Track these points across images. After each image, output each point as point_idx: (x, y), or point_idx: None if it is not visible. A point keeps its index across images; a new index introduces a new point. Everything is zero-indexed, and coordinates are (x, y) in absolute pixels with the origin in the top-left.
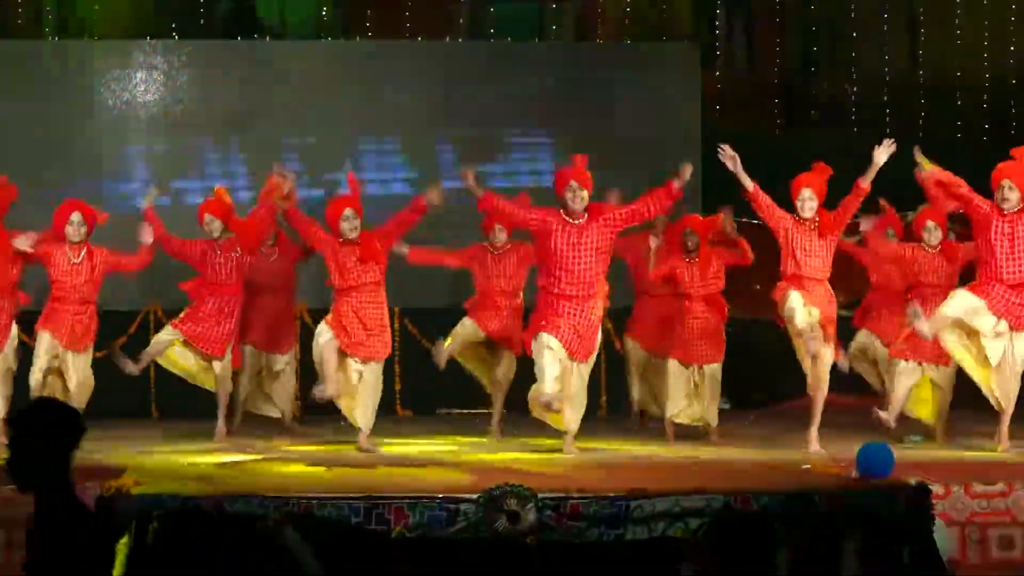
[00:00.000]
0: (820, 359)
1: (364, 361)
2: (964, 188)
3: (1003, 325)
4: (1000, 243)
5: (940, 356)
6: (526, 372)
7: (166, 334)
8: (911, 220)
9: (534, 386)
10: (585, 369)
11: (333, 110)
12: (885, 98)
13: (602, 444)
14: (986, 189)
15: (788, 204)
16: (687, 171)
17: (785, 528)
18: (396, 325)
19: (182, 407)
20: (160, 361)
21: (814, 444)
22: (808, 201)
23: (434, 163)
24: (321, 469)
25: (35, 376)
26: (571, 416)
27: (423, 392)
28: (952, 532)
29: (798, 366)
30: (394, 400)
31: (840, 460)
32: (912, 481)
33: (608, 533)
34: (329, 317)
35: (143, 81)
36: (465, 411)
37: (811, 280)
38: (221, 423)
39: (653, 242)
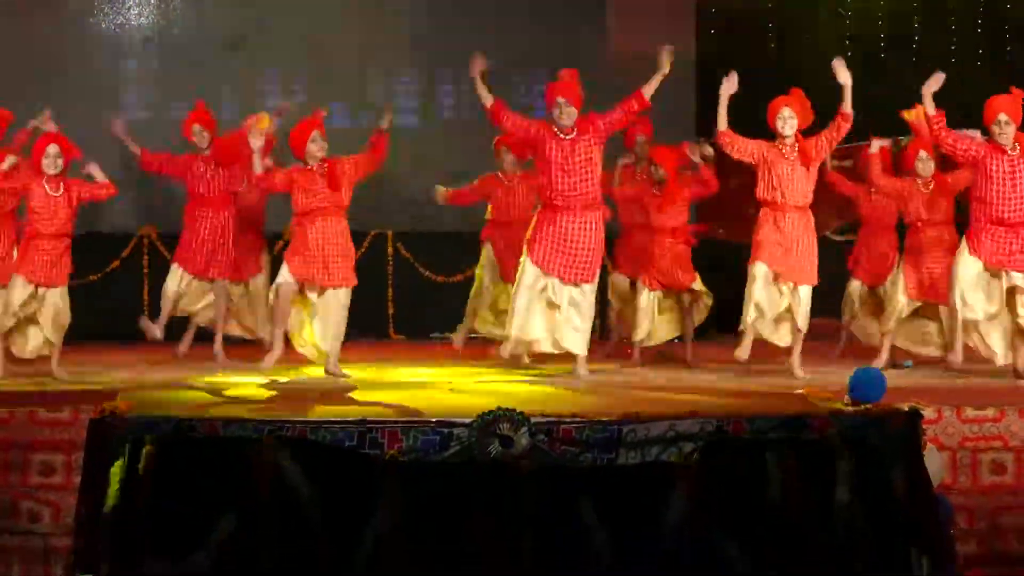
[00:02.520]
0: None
1: (322, 291)
2: (950, 140)
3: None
4: (998, 181)
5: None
6: None
7: (173, 279)
8: (901, 149)
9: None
10: (583, 291)
11: (330, 34)
12: (880, 23)
13: (595, 368)
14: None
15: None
16: (665, 60)
17: (777, 453)
18: (390, 250)
19: (173, 332)
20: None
21: (797, 370)
22: (789, 120)
23: (434, 93)
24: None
25: (6, 322)
26: (572, 340)
27: (416, 317)
28: (943, 457)
29: None
30: (387, 325)
31: (832, 385)
32: (904, 406)
33: (601, 457)
34: (288, 250)
35: (136, 4)
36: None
37: (791, 208)
38: (218, 346)
39: (621, 161)
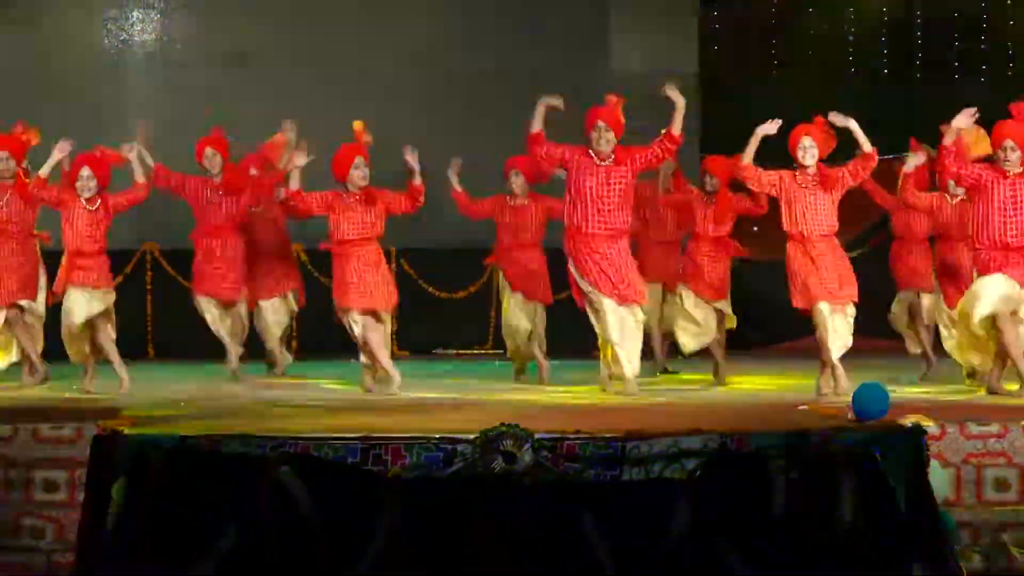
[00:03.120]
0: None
1: (363, 312)
2: (954, 169)
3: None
4: (1003, 206)
5: None
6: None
7: (208, 312)
8: (933, 161)
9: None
10: (639, 311)
11: (332, 47)
12: (883, 39)
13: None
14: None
15: (784, 155)
16: (675, 95)
17: (781, 469)
18: (394, 266)
19: (178, 347)
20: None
21: (825, 389)
22: (810, 149)
23: (440, 99)
24: (320, 411)
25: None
26: (626, 357)
27: (420, 332)
28: (947, 473)
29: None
30: (391, 340)
31: (837, 401)
32: (908, 422)
33: (605, 474)
34: (336, 289)
35: (140, 20)
36: (462, 351)
37: (817, 237)
38: (234, 357)
39: (666, 167)
